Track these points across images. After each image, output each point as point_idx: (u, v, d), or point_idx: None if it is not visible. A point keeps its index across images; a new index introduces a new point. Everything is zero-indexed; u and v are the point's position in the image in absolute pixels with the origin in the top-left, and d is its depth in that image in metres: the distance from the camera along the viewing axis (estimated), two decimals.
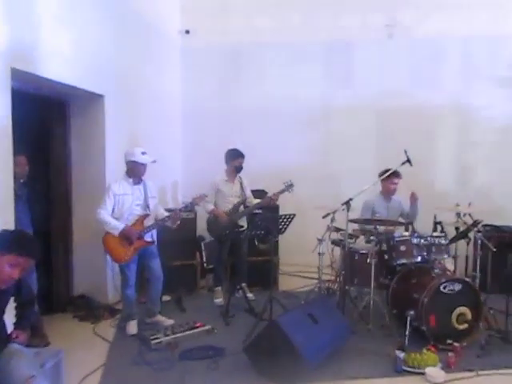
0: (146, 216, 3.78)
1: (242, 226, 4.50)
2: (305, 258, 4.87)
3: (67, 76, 3.74)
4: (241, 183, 4.64)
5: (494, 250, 4.18)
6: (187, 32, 6.14)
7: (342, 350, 3.38)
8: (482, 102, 5.95)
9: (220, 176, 4.63)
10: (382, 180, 4.49)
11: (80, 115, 4.43)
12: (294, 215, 3.98)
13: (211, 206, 4.51)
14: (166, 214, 3.90)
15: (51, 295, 4.37)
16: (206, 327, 3.79)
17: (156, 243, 3.91)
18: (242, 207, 4.57)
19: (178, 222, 3.89)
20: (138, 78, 4.95)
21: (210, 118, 6.08)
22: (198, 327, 3.76)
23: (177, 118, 6.15)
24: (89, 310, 4.24)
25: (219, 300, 4.58)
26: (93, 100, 4.32)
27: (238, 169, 4.60)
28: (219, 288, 4.67)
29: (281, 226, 4.07)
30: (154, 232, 3.90)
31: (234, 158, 4.56)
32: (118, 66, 4.53)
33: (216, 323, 3.92)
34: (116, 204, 3.69)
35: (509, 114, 5.92)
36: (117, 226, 3.62)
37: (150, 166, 3.86)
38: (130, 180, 3.79)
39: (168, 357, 3.31)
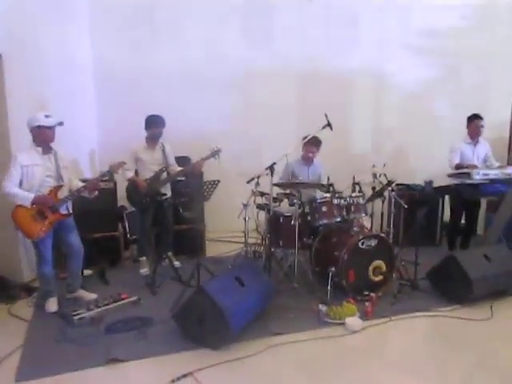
0: (59, 187, 3.56)
1: (165, 194, 4.40)
2: (231, 223, 4.93)
3: None
4: (163, 150, 4.49)
5: (406, 206, 4.56)
6: None
7: (268, 309, 3.52)
8: (394, 68, 6.29)
9: (139, 143, 4.46)
10: (303, 145, 4.64)
11: None
12: (219, 181, 3.98)
13: (130, 174, 4.37)
14: (82, 184, 3.71)
15: None
16: (132, 298, 3.72)
17: (72, 215, 3.72)
18: (164, 175, 4.45)
19: (96, 193, 3.73)
20: (40, 36, 4.51)
21: (126, 80, 5.73)
22: (123, 299, 3.68)
23: (89, 81, 5.74)
24: (1, 290, 3.96)
25: (144, 270, 4.53)
26: None
27: (154, 137, 4.44)
28: (144, 258, 4.60)
29: (205, 193, 4.05)
30: (70, 204, 3.70)
31: (151, 127, 4.39)
32: (17, 23, 4.09)
33: (142, 294, 3.87)
34: (24, 176, 3.42)
35: (418, 80, 6.32)
36: (26, 196, 3.38)
37: (63, 134, 3.61)
38: (39, 149, 3.52)
39: (93, 332, 3.22)
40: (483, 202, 5.33)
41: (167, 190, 4.51)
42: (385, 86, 6.36)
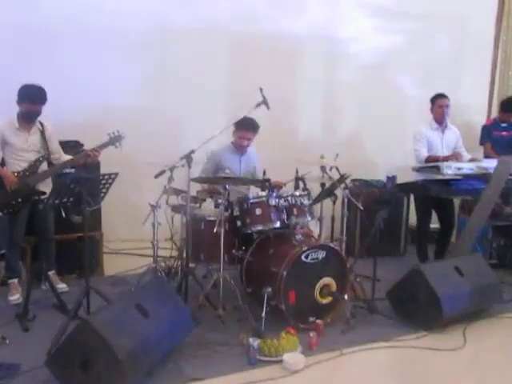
0: None
1: (44, 193, 4.17)
2: (137, 230, 4.80)
3: None
4: (42, 132, 4.27)
5: (362, 208, 4.58)
6: None
7: (183, 345, 3.41)
8: (350, 33, 6.39)
9: (8, 121, 4.19)
10: (235, 130, 4.63)
11: None
12: (116, 174, 3.82)
13: None
14: None
15: None
16: None
17: None
18: (44, 166, 4.26)
19: None
20: None
21: None
22: None
23: None
24: None
25: (15, 297, 4.27)
26: None
27: (30, 116, 4.20)
28: (14, 280, 4.34)
29: (101, 190, 3.89)
30: None
31: (25, 101, 4.13)
32: None
33: (9, 330, 3.62)
34: None
35: (379, 48, 6.43)
36: None
37: None
38: None
39: None
40: (455, 203, 5.50)
41: (47, 187, 4.26)
42: (338, 56, 6.44)
